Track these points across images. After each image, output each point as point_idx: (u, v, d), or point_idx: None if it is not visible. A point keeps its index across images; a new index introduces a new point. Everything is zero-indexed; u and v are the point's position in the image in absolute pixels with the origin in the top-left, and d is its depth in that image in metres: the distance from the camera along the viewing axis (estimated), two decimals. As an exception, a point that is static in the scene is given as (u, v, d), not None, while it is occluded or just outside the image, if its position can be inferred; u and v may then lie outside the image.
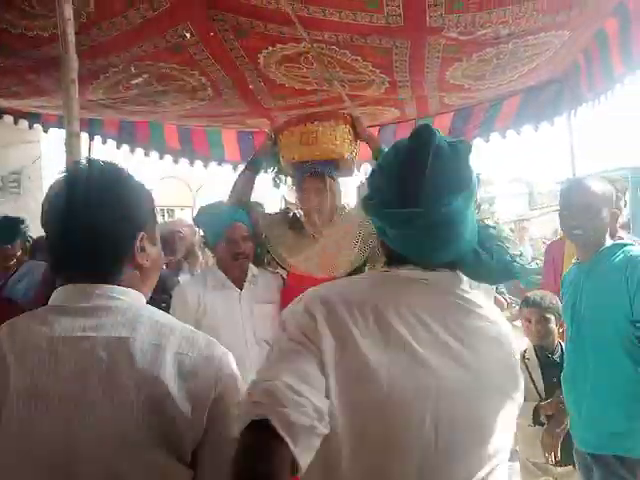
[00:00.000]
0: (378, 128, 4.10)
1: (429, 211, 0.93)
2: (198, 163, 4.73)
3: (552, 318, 2.42)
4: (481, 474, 0.93)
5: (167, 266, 3.35)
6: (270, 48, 2.52)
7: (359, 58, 2.58)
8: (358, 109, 3.39)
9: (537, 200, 18.85)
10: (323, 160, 2.24)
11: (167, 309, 2.89)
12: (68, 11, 1.40)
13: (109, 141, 4.53)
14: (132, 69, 2.61)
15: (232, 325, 2.14)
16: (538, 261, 3.58)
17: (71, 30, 1.42)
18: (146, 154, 4.78)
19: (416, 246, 0.98)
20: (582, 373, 2.00)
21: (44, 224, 0.99)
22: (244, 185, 2.35)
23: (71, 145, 1.44)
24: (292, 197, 2.58)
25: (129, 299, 0.97)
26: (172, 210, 10.11)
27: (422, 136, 0.99)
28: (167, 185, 9.47)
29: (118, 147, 4.54)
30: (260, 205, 2.99)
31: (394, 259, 1.04)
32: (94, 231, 0.94)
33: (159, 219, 1.15)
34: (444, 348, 0.94)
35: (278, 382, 0.84)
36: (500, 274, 1.07)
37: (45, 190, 0.99)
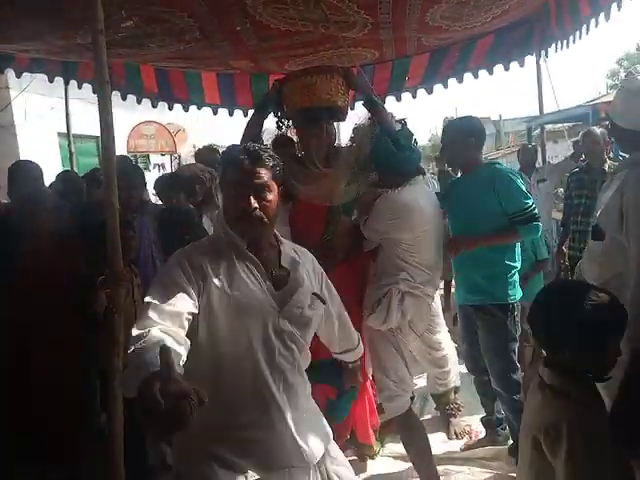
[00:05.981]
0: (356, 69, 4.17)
1: None
2: (177, 106, 4.73)
3: None
4: None
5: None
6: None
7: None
8: (339, 51, 3.50)
9: (503, 140, 19.22)
10: (320, 107, 2.50)
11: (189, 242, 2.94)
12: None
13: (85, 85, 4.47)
14: (123, 13, 2.63)
15: None
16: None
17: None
18: (123, 97, 4.74)
19: None
20: None
21: None
22: (254, 128, 2.54)
23: (102, 94, 1.54)
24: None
25: None
26: (146, 156, 9.84)
27: None
28: (146, 130, 9.24)
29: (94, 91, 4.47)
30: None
31: None
32: None
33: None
34: None
35: None
36: None
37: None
